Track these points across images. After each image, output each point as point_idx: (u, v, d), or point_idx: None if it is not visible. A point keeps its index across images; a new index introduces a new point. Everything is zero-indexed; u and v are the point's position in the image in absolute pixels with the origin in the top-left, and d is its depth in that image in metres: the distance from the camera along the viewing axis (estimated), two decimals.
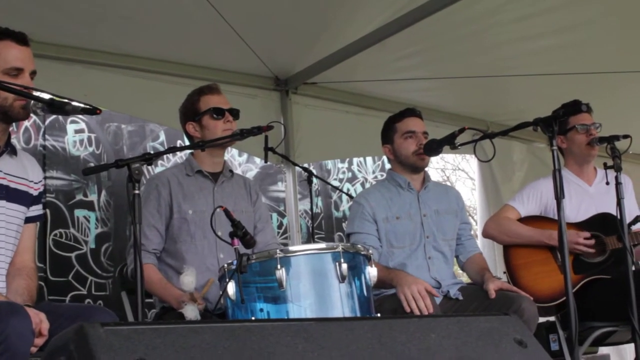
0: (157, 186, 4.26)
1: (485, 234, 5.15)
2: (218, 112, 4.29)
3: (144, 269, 3.74)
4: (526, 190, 5.11)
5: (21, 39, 3.38)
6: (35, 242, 3.66)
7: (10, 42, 3.35)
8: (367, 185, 8.38)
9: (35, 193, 3.57)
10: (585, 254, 4.74)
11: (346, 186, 8.39)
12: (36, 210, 3.61)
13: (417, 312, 4.07)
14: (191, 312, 3.63)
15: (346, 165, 8.51)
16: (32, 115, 3.46)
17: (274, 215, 7.42)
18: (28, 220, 3.53)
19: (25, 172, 3.52)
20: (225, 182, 4.40)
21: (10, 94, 3.22)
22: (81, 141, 6.49)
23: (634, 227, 4.72)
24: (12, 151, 3.47)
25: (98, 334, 2.08)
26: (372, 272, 3.51)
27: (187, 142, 4.57)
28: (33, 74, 3.38)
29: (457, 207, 4.90)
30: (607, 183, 4.62)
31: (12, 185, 3.41)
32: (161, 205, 4.22)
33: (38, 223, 3.70)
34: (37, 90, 3.18)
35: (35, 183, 3.58)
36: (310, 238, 6.81)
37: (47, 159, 6.20)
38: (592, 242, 4.73)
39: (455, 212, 4.86)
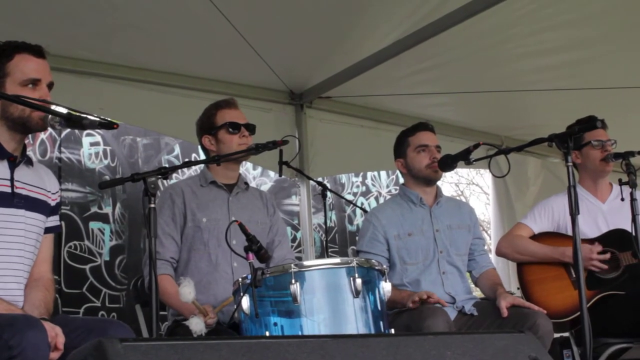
0: (171, 195, 4.29)
1: (498, 253, 5.15)
2: (234, 127, 4.31)
3: (161, 279, 3.77)
4: (538, 208, 5.10)
5: (37, 51, 3.40)
6: (52, 253, 3.66)
7: (27, 54, 3.37)
8: (381, 199, 8.39)
9: (53, 203, 3.59)
10: (599, 270, 4.72)
11: (360, 200, 8.40)
12: (54, 220, 3.62)
13: (423, 297, 4.13)
14: (196, 325, 3.61)
15: (360, 179, 8.53)
16: (48, 128, 3.47)
17: (288, 229, 7.44)
18: (46, 230, 3.54)
19: (43, 182, 3.54)
20: (240, 193, 4.42)
21: None
22: (96, 154, 6.52)
23: None
24: (29, 161, 3.50)
25: (116, 349, 2.10)
26: (386, 287, 3.51)
27: (202, 155, 4.59)
28: (50, 85, 3.41)
29: (470, 222, 4.89)
30: (622, 199, 4.60)
31: (32, 194, 3.43)
32: (175, 214, 4.25)
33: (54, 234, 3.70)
34: (54, 104, 3.19)
35: (53, 193, 3.59)
36: (323, 252, 6.82)
37: (62, 171, 6.24)
38: (607, 256, 4.71)
39: (468, 227, 4.85)
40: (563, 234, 4.89)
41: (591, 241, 4.78)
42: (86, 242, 6.31)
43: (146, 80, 5.77)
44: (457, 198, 12.42)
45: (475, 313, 4.47)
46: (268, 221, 4.48)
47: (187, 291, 3.56)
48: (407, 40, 5.50)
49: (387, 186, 8.76)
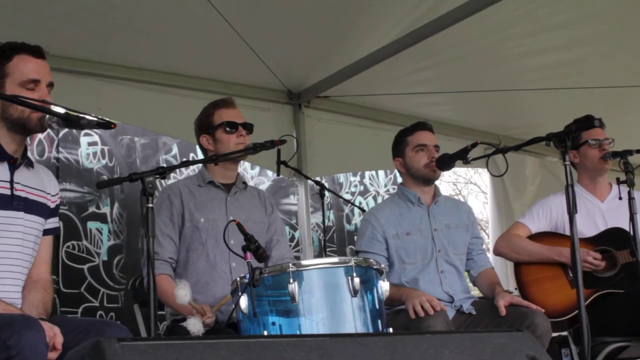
0: (169, 196, 4.29)
1: (496, 252, 5.14)
2: (232, 126, 4.31)
3: (160, 279, 3.79)
4: (536, 207, 5.09)
5: (37, 51, 3.40)
6: (51, 255, 3.66)
7: (26, 55, 3.37)
8: (379, 199, 8.38)
9: (52, 205, 3.59)
10: (594, 269, 4.73)
11: (358, 199, 8.40)
12: (53, 222, 3.62)
13: (422, 315, 4.09)
14: (193, 325, 3.60)
15: (358, 178, 8.53)
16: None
17: (286, 229, 7.44)
18: (45, 232, 3.54)
19: (43, 185, 3.53)
20: (238, 192, 4.41)
21: None
22: (94, 154, 6.52)
23: None
24: (29, 163, 3.49)
25: (114, 349, 2.09)
26: (384, 286, 3.51)
27: (200, 155, 4.59)
28: (50, 86, 3.40)
29: (468, 221, 4.89)
30: (620, 198, 4.60)
31: (31, 197, 3.42)
32: (173, 214, 4.25)
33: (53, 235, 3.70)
34: (52, 104, 3.19)
35: (52, 195, 3.59)
36: (322, 251, 6.82)
37: (60, 171, 6.23)
38: (602, 263, 4.71)
39: (466, 226, 4.85)
40: (561, 233, 4.89)
41: (589, 242, 4.78)
42: (84, 242, 6.31)
43: (144, 80, 5.76)
44: (455, 197, 12.43)
45: (474, 312, 4.47)
46: (266, 220, 4.47)
47: (182, 293, 3.56)
48: (405, 40, 5.49)
49: (385, 185, 8.76)
